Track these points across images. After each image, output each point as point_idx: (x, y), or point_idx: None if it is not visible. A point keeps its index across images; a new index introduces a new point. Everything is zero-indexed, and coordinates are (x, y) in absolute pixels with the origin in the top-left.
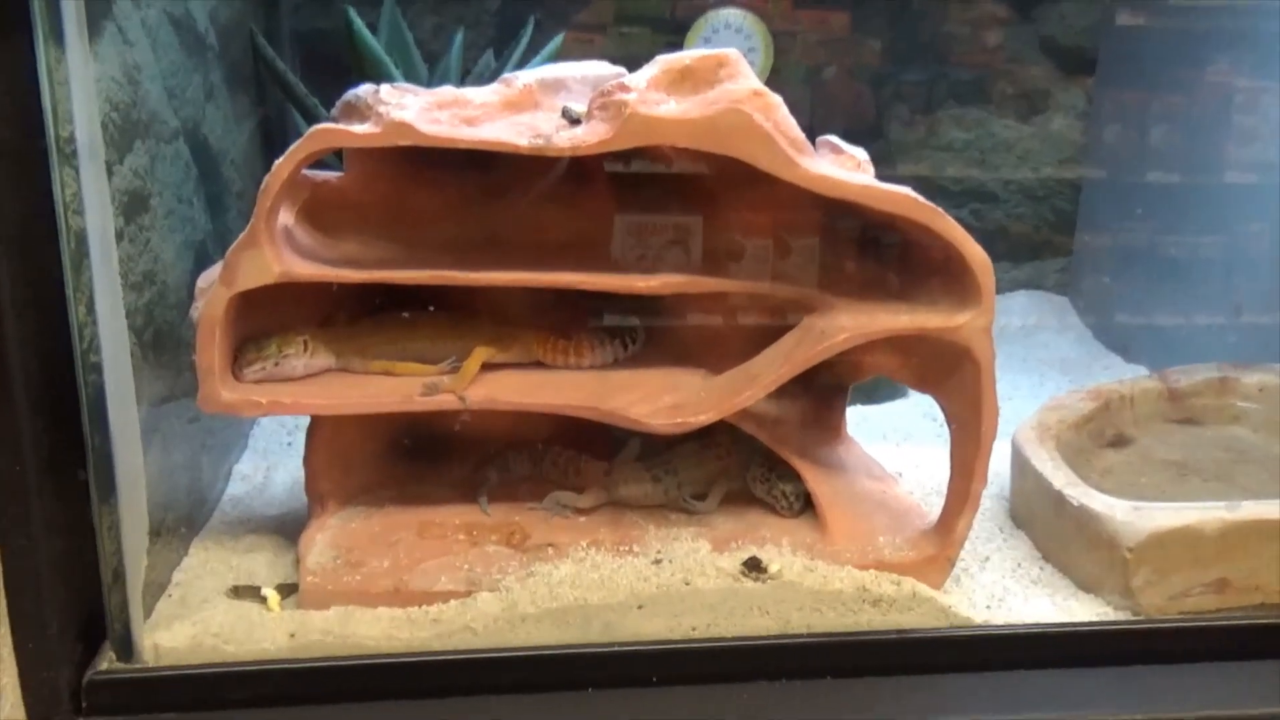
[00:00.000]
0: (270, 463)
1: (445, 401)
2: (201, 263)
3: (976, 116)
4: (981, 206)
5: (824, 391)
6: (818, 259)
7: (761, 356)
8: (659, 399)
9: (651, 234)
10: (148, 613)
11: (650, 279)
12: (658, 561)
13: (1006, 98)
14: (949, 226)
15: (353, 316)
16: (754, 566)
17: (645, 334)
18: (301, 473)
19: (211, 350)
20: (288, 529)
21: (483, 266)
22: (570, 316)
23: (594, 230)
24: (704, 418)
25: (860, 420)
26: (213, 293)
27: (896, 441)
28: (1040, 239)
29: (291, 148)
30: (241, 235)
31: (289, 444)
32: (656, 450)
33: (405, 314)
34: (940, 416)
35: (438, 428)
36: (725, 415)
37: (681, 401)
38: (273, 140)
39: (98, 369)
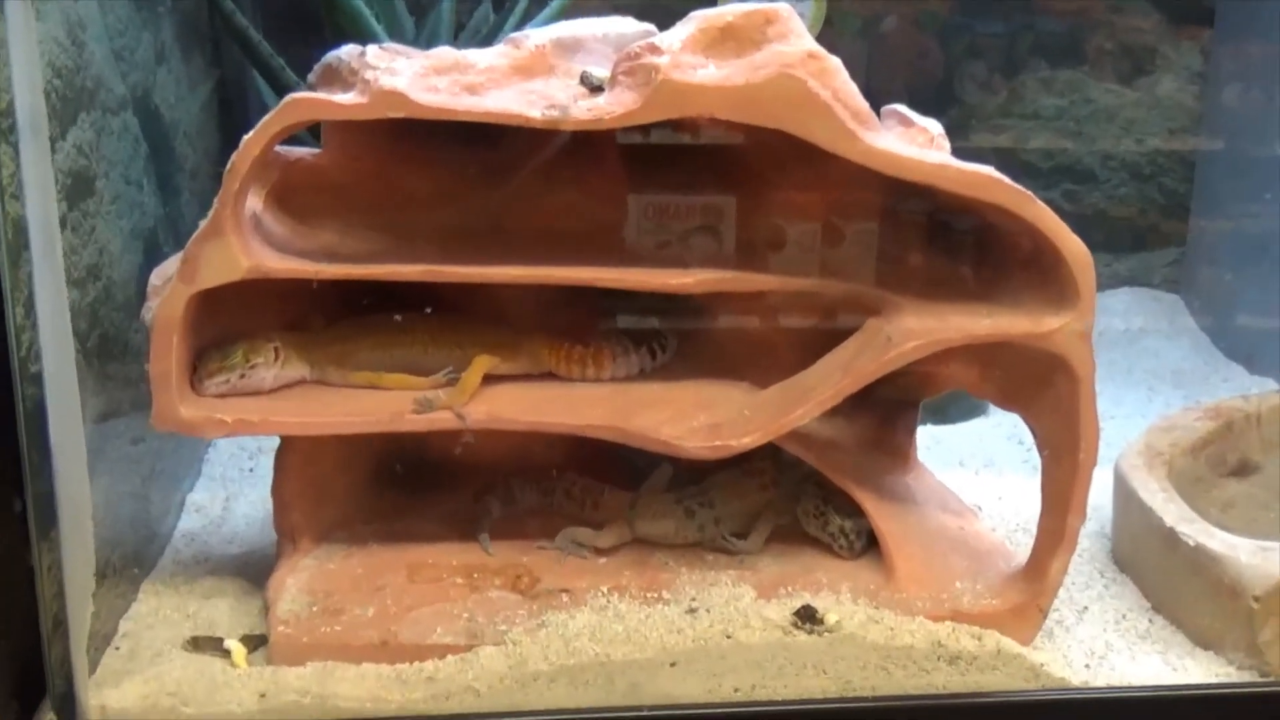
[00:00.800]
0: (230, 491)
1: (441, 420)
2: (151, 255)
3: (1069, 78)
4: (1076, 188)
5: (889, 409)
6: (880, 250)
7: (816, 367)
8: (693, 418)
9: (680, 219)
10: (93, 667)
11: (685, 275)
12: (693, 610)
13: (1105, 55)
14: (1040, 213)
15: (331, 319)
16: (808, 617)
17: (676, 340)
18: (268, 504)
19: (168, 358)
20: (253, 570)
21: (485, 260)
22: (587, 320)
23: (616, 217)
24: (748, 440)
25: (932, 443)
26: (170, 291)
27: (975, 469)
28: (1147, 225)
29: (263, 120)
30: (203, 224)
31: (250, 469)
32: (689, 479)
33: (394, 316)
34: (1028, 438)
35: (431, 451)
36: (773, 437)
37: (721, 421)
38: (231, 109)
39: (37, 380)
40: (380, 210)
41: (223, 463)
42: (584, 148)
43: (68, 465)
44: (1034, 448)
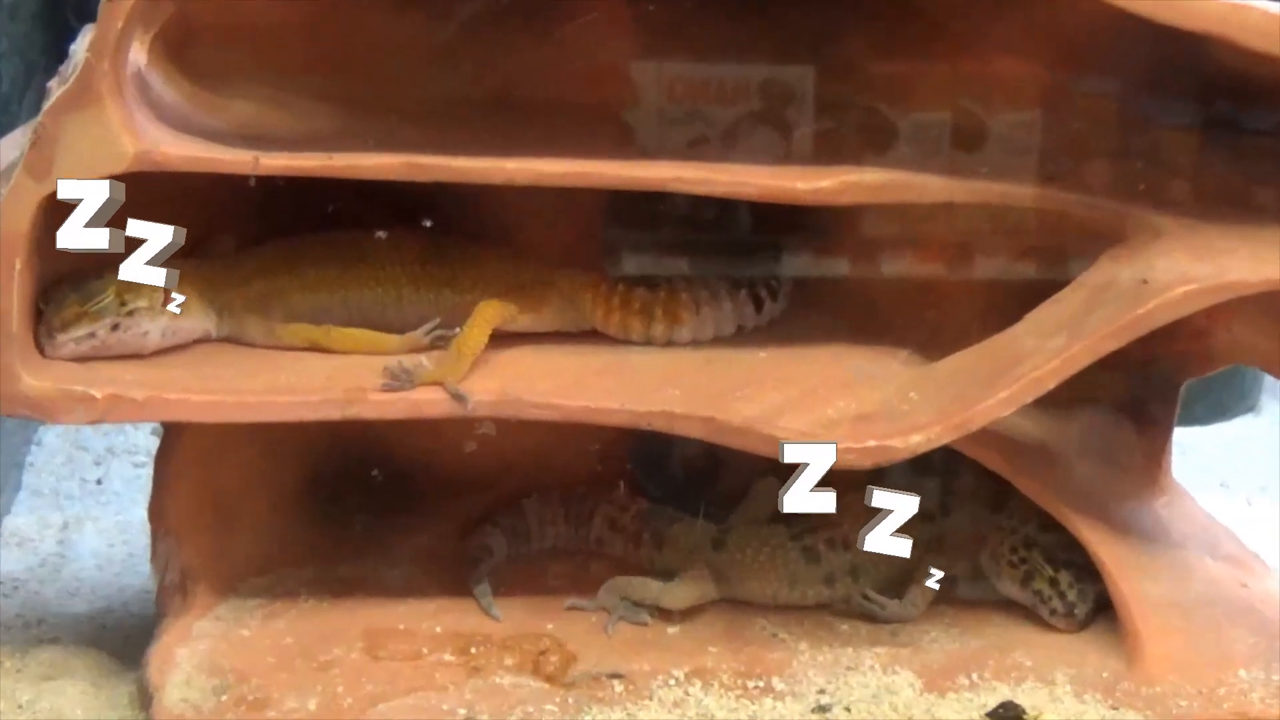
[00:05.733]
0: (68, 515)
1: (425, 403)
2: None
3: None
4: None
5: (1129, 397)
6: (1124, 150)
7: (1023, 326)
8: (828, 403)
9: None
10: None
11: (820, 176)
12: (822, 709)
13: None
14: None
15: (246, 241)
16: (1008, 718)
17: (790, 283)
18: (129, 533)
19: (6, 298)
20: (115, 636)
21: (494, 149)
22: (651, 248)
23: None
24: (919, 439)
25: (1175, 453)
26: (9, 191)
27: (1246, 493)
28: None
29: None
30: (65, 87)
31: (98, 481)
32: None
33: (350, 238)
34: None
35: (402, 454)
36: (958, 436)
37: (873, 409)
38: None
39: None
40: (327, 69)
41: (53, 469)
42: None
43: None
44: None
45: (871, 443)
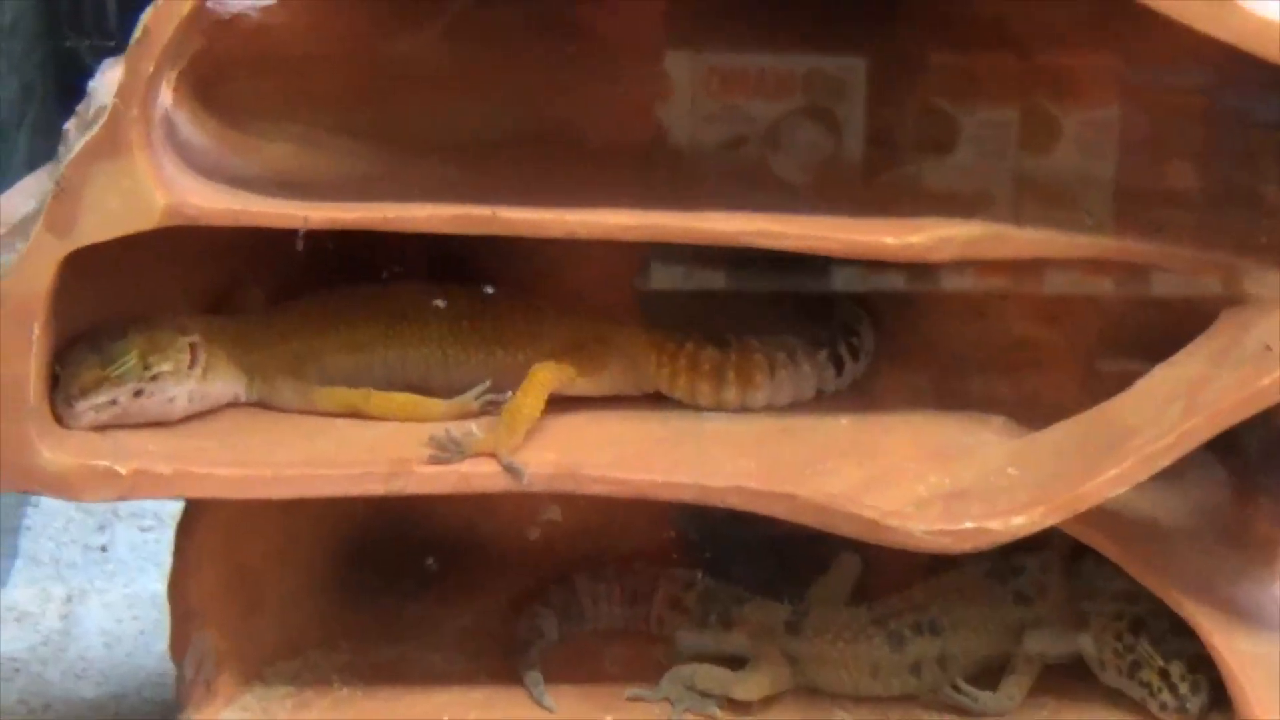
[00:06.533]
0: (71, 587)
1: (475, 475)
2: None
3: None
4: None
5: (1251, 469)
6: (1232, 192)
7: (1135, 394)
8: (918, 478)
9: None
10: None
11: (910, 231)
12: None
13: None
14: None
15: (277, 293)
16: None
17: (874, 337)
18: (140, 609)
19: (24, 361)
20: None
21: (546, 192)
22: (720, 301)
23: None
24: (1021, 521)
25: None
26: (28, 249)
27: None
28: None
29: None
30: (89, 134)
31: (103, 548)
32: (889, 584)
33: (391, 291)
34: None
35: (442, 522)
36: (1065, 517)
37: (967, 485)
38: None
39: None
40: (364, 105)
41: (53, 534)
42: None
43: None
44: None
45: (968, 525)
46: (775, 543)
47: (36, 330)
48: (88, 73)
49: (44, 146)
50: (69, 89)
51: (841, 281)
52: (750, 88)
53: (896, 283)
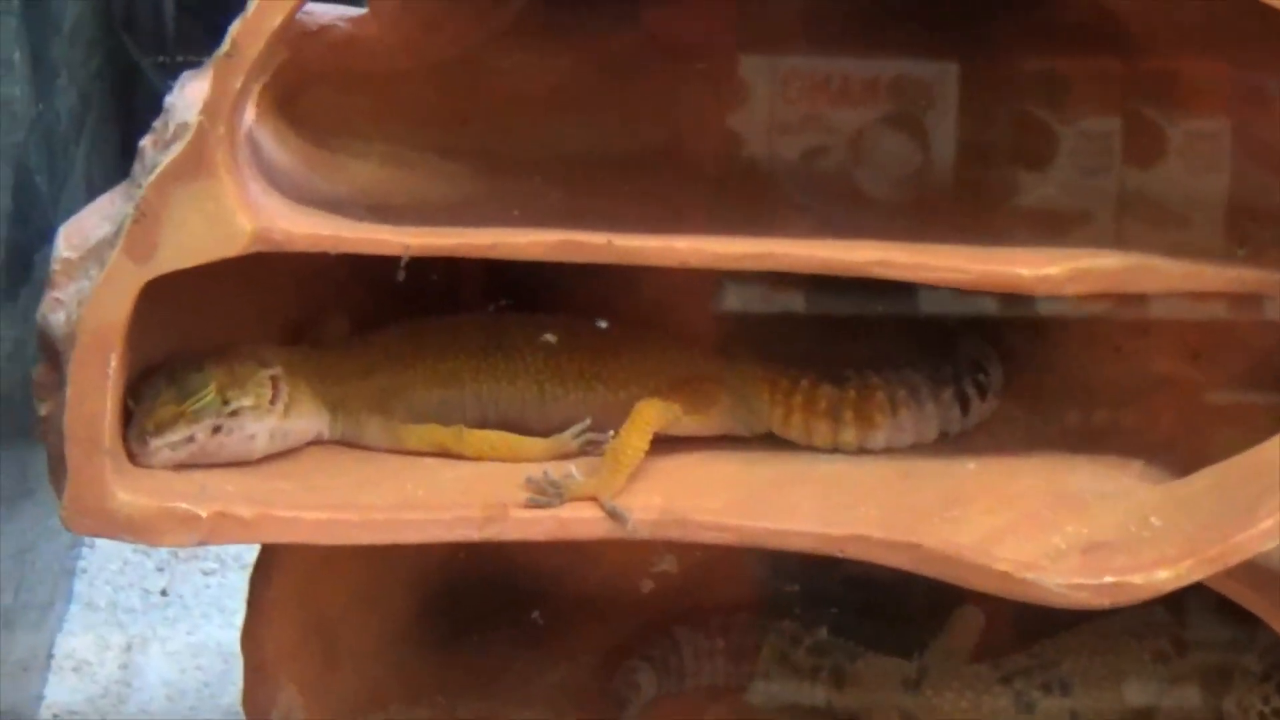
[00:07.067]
0: (131, 635)
1: (575, 521)
2: (27, 194)
3: None
4: None
5: None
6: None
7: None
8: (1050, 528)
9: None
10: None
11: (1046, 262)
12: None
13: None
14: None
15: (360, 323)
16: None
17: (1002, 373)
18: (206, 658)
19: (100, 397)
20: None
21: (654, 215)
22: (836, 334)
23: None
24: (1167, 575)
25: None
26: (106, 275)
27: None
28: None
29: None
30: (171, 155)
31: (163, 592)
32: (1014, 637)
33: (484, 321)
34: None
35: (533, 568)
36: (1217, 570)
37: (1108, 536)
38: None
39: None
40: (458, 121)
41: (109, 577)
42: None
43: None
44: None
45: (1108, 579)
46: (889, 594)
47: (114, 363)
48: (145, 80)
49: (101, 161)
50: (127, 99)
51: (964, 310)
52: (843, 97)
53: (1023, 312)
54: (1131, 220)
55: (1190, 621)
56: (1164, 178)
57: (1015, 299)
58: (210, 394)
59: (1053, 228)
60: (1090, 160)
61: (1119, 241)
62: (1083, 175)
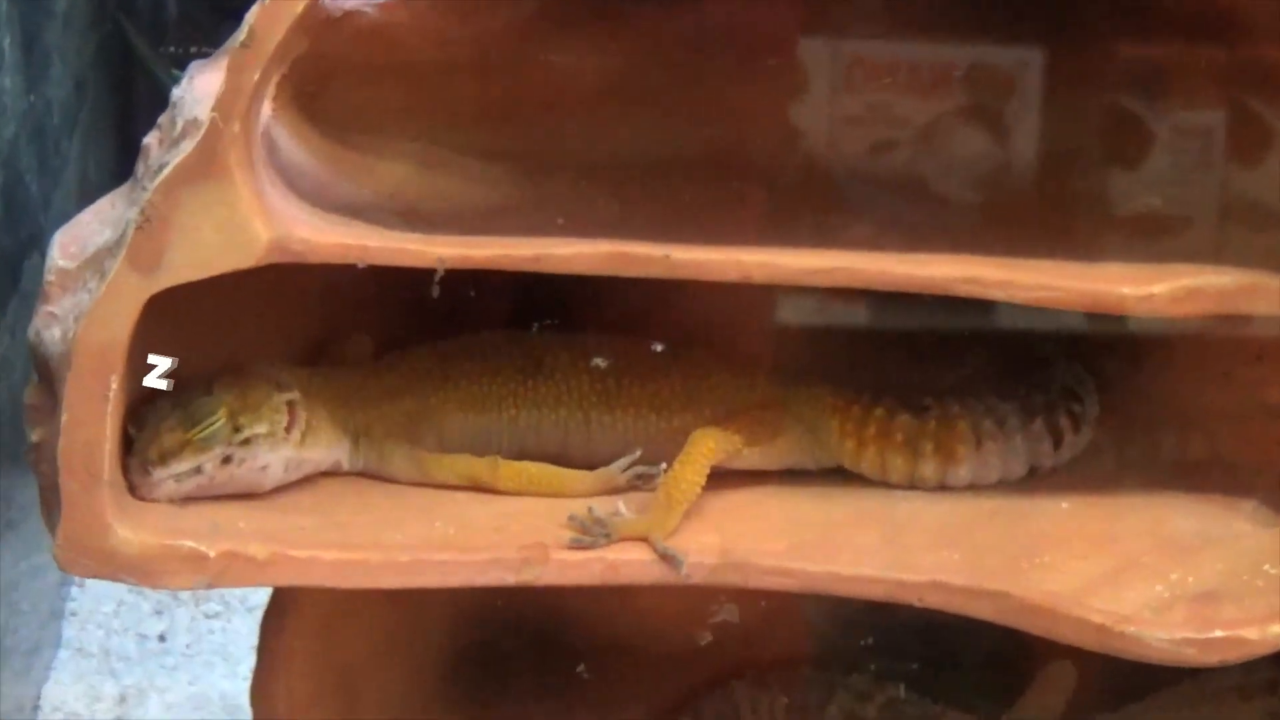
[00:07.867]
0: (125, 683)
1: (624, 564)
2: (15, 194)
3: None
4: None
5: None
6: None
7: None
8: (1153, 575)
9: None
10: None
11: (1151, 279)
12: None
13: None
14: None
15: (389, 344)
16: None
17: (1098, 403)
18: (216, 709)
19: (99, 423)
20: None
21: (714, 224)
22: (913, 358)
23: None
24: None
25: None
26: (107, 288)
27: None
28: None
29: None
30: (180, 154)
31: (161, 637)
32: (1103, 693)
33: (521, 339)
34: None
35: (572, 614)
36: None
37: (1215, 585)
38: None
39: None
40: (498, 120)
41: (101, 620)
42: None
43: None
44: None
45: (1218, 633)
46: (970, 645)
47: (114, 385)
48: (146, 70)
49: (97, 158)
50: (125, 90)
51: (1049, 326)
52: (913, 88)
53: (1117, 329)
54: (1237, 227)
55: None
56: (1273, 179)
57: (1108, 315)
58: (220, 420)
59: (1147, 235)
60: (1189, 159)
61: (1224, 251)
62: (1181, 176)
